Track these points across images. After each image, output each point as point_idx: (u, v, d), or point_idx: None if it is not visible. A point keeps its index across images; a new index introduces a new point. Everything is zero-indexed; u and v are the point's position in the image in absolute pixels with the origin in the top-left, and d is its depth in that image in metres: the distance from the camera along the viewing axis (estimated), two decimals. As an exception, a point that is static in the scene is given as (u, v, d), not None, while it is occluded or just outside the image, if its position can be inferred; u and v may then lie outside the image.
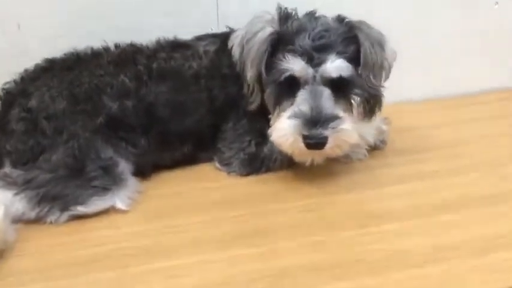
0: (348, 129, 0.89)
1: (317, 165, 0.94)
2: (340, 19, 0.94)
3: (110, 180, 0.88)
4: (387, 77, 0.96)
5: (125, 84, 0.94)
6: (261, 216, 0.86)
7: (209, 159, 1.03)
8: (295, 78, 0.89)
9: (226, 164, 1.00)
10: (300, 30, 0.90)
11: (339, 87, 0.90)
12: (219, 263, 0.76)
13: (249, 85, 0.94)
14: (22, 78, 0.96)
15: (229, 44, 0.97)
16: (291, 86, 0.90)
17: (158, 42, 1.01)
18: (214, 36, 1.05)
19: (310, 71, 0.88)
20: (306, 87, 0.89)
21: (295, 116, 0.88)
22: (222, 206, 0.90)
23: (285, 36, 0.91)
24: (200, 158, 1.03)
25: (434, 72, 1.30)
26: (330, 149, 0.88)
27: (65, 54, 0.98)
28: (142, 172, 0.96)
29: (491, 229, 0.81)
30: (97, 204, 0.87)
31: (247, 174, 0.99)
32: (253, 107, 0.95)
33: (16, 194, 0.85)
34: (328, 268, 0.74)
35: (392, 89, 0.97)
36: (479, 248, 0.77)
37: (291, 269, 0.74)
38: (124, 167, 0.91)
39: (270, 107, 0.94)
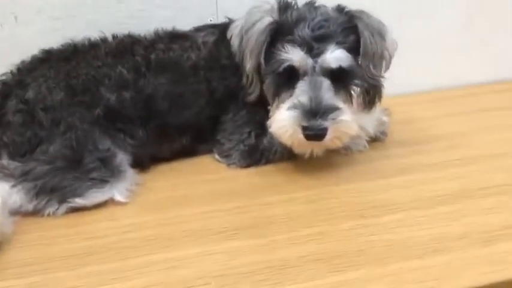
0: (348, 121, 0.88)
1: (317, 157, 0.94)
2: (340, 9, 0.93)
3: (108, 172, 0.87)
4: (387, 67, 0.95)
5: (122, 75, 0.93)
6: (261, 208, 0.86)
7: (208, 151, 1.02)
8: (294, 69, 0.88)
9: (225, 155, 1.00)
10: (300, 20, 0.89)
11: (339, 77, 0.90)
12: (219, 255, 0.75)
13: (248, 76, 0.93)
14: (19, 69, 0.95)
15: (228, 34, 0.96)
16: (290, 77, 0.89)
17: (156, 33, 1.00)
18: (213, 26, 1.04)
19: (309, 61, 0.87)
20: (305, 77, 0.88)
21: (294, 107, 0.87)
22: (221, 197, 0.89)
23: (284, 26, 0.90)
24: (199, 150, 1.02)
25: (435, 64, 1.29)
26: (329, 140, 0.88)
27: (62, 45, 0.97)
28: (141, 164, 0.96)
29: (491, 221, 0.80)
30: (95, 196, 0.86)
31: (247, 166, 0.99)
32: (252, 98, 0.95)
33: (13, 186, 0.84)
34: (328, 259, 0.73)
35: (392, 81, 0.96)
36: (479, 240, 0.76)
37: (291, 260, 0.74)
38: (122, 158, 0.90)
39: (269, 98, 0.93)
